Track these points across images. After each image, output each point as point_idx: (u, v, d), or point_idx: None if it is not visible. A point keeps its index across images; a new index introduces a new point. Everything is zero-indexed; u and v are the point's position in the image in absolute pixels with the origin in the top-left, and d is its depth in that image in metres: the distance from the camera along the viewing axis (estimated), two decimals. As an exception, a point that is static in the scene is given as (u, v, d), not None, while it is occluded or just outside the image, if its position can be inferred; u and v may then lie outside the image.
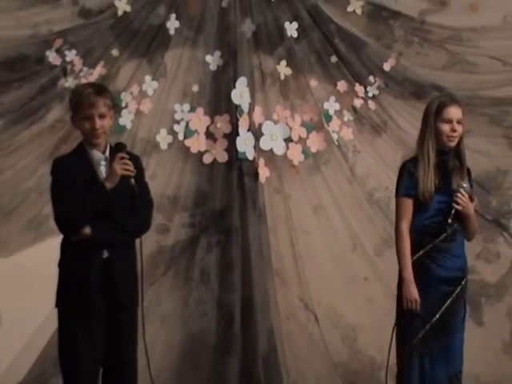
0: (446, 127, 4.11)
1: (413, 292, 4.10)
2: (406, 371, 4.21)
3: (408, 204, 4.16)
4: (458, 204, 4.14)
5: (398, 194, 4.22)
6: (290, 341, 5.40)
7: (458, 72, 5.61)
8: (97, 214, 3.75)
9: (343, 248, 5.54)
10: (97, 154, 3.82)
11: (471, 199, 4.21)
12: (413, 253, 4.16)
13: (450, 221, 4.17)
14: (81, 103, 3.80)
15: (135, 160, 3.95)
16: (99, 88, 3.93)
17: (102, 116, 3.77)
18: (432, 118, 4.18)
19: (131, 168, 3.75)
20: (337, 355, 5.41)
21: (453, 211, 4.16)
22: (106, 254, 3.77)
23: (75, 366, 3.77)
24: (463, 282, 4.24)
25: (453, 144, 4.15)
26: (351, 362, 5.44)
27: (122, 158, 3.75)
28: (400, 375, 4.24)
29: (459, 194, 4.14)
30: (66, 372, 3.84)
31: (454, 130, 4.11)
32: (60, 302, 3.84)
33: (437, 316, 4.13)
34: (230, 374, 5.21)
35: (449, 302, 4.16)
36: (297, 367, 5.40)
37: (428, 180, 4.13)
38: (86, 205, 3.71)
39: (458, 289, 4.19)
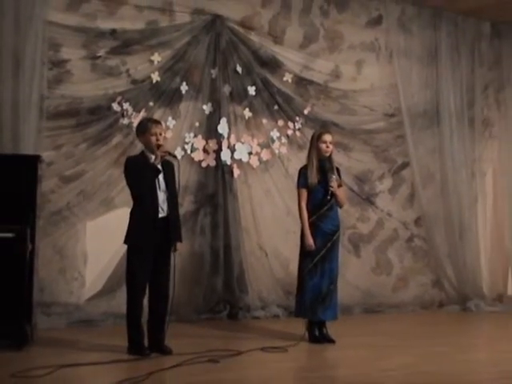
0: (323, 146, 5.16)
1: (310, 241, 5.14)
2: (303, 285, 5.21)
3: (303, 192, 5.17)
4: (331, 187, 5.15)
5: (298, 186, 5.21)
6: (251, 267, 6.83)
7: (346, 115, 7.28)
8: (149, 190, 4.38)
9: (281, 214, 6.94)
10: (151, 157, 4.61)
11: (339, 184, 5.22)
12: (309, 218, 5.16)
13: (328, 197, 5.18)
14: (150, 126, 4.55)
15: (171, 165, 4.74)
16: (158, 120, 4.89)
17: (160, 134, 4.58)
18: (315, 141, 5.20)
19: (165, 149, 4.51)
20: (278, 275, 6.91)
21: (329, 191, 5.17)
22: (163, 214, 4.54)
23: (133, 281, 4.58)
24: (338, 233, 5.27)
25: (327, 155, 5.19)
26: (286, 279, 6.84)
27: (159, 147, 4.50)
28: (299, 288, 5.25)
29: (331, 181, 5.13)
30: (128, 284, 4.64)
31: (328, 147, 5.17)
32: (126, 240, 4.61)
33: (321, 253, 5.16)
34: (217, 286, 6.64)
35: (329, 244, 5.18)
36: (256, 282, 6.84)
37: (313, 177, 5.11)
38: (143, 179, 4.47)
39: (335, 237, 5.23)
